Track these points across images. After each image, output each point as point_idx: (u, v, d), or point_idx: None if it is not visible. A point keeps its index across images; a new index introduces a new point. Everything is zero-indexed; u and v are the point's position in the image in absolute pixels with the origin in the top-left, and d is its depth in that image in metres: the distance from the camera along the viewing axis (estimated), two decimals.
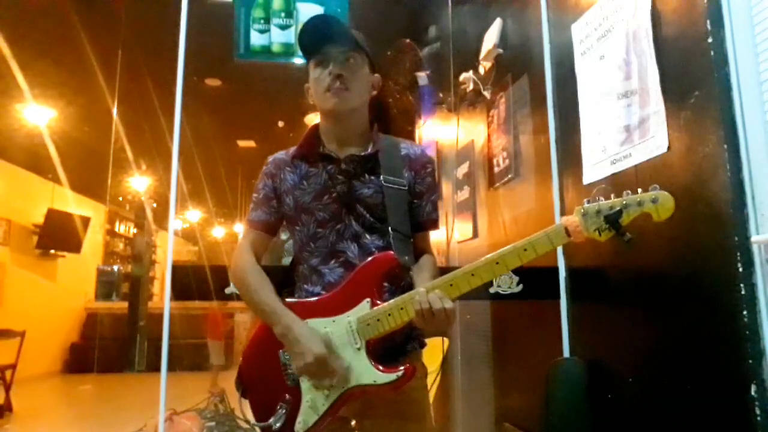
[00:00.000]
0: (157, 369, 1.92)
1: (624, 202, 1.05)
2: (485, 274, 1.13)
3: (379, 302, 1.18)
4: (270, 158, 1.38)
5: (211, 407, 3.79)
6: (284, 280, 1.33)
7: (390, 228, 1.26)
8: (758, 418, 1.16)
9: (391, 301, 1.16)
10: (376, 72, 1.36)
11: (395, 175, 1.29)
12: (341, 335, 1.18)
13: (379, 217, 1.28)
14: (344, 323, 1.18)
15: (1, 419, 4.89)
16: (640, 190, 1.06)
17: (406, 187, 1.30)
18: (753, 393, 1.17)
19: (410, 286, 1.23)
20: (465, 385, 3.03)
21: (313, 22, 1.29)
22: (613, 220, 1.04)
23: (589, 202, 1.08)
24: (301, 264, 1.32)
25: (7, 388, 5.11)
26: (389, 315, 1.15)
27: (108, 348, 7.86)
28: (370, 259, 1.22)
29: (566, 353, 1.93)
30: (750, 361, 1.18)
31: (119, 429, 4.29)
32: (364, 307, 1.18)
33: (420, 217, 1.33)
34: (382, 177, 1.28)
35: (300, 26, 2.37)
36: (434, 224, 1.37)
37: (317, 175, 1.30)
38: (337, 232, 1.27)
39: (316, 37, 1.28)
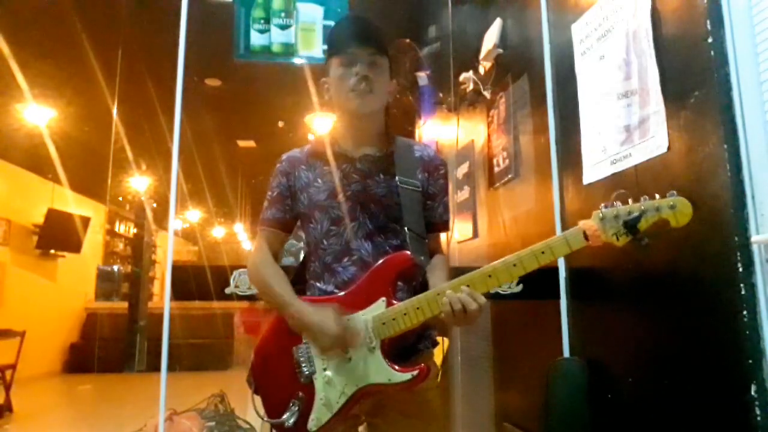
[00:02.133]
0: (157, 369, 1.92)
1: (642, 208, 1.06)
2: (502, 276, 1.13)
3: (394, 302, 1.18)
4: (284, 156, 1.39)
5: (211, 407, 3.79)
6: (294, 280, 1.33)
7: (406, 228, 1.27)
8: (758, 418, 1.16)
9: (407, 301, 1.17)
10: (392, 78, 1.38)
11: (409, 177, 1.31)
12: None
13: (393, 217, 1.29)
14: (360, 322, 1.19)
15: (1, 419, 4.89)
16: (657, 195, 1.06)
17: (420, 189, 1.31)
18: (753, 393, 1.17)
19: (423, 286, 1.24)
20: (465, 385, 3.03)
21: (348, 22, 1.32)
22: (631, 225, 1.05)
23: (607, 206, 1.09)
24: (314, 262, 1.32)
25: (7, 388, 5.11)
26: (405, 314, 1.16)
27: (108, 348, 7.86)
28: (386, 258, 1.23)
29: (566, 353, 1.93)
30: (750, 361, 1.18)
31: (119, 429, 4.29)
32: (379, 306, 1.18)
33: (432, 218, 1.35)
34: (397, 178, 1.29)
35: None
36: (446, 225, 1.39)
37: (332, 173, 1.31)
38: (351, 231, 1.28)
39: (348, 36, 1.29)
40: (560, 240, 1.10)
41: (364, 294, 1.21)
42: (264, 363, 1.30)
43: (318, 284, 1.30)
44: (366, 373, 1.17)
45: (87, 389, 7.10)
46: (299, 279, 1.35)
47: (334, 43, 1.33)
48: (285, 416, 1.20)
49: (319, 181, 1.32)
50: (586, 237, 1.09)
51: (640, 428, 1.57)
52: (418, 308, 1.15)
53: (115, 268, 9.50)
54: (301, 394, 1.21)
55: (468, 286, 1.13)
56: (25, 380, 5.74)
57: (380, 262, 1.23)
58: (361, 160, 1.30)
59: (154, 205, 8.45)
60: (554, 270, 2.00)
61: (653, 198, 1.06)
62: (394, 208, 1.28)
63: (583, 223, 1.10)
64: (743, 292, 1.21)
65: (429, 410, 1.29)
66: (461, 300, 1.11)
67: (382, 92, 1.31)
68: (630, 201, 1.08)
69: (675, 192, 1.05)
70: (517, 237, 2.42)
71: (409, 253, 1.23)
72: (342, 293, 1.24)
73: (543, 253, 1.11)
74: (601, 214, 1.08)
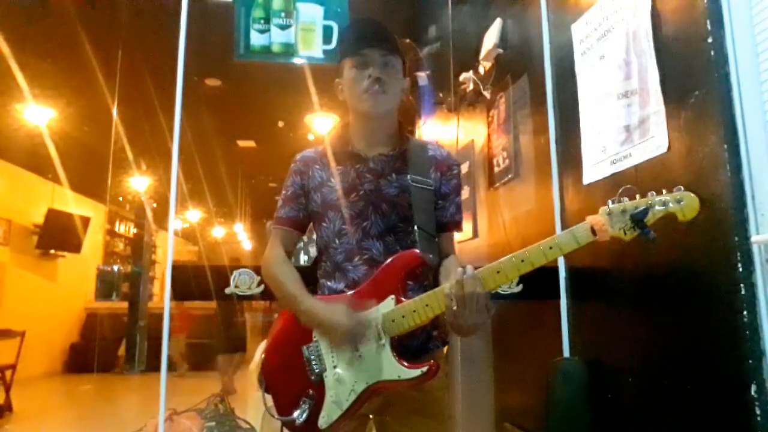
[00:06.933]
0: (157, 369, 1.92)
1: (649, 202, 1.07)
2: (511, 272, 1.14)
3: (403, 299, 1.19)
4: (298, 156, 1.40)
5: (211, 407, 3.79)
6: (306, 279, 1.34)
7: (416, 226, 1.27)
8: (758, 418, 1.16)
9: (416, 298, 1.17)
10: (406, 76, 1.39)
11: (422, 175, 1.32)
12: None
13: (405, 217, 1.29)
14: (369, 320, 1.19)
15: (1, 419, 4.89)
16: (665, 191, 1.07)
17: (433, 188, 1.32)
18: (753, 393, 1.17)
19: (433, 286, 1.24)
20: (465, 385, 3.03)
21: (360, 24, 1.33)
22: (638, 219, 1.06)
23: (614, 202, 1.09)
24: (325, 261, 1.33)
25: (7, 388, 5.10)
26: (414, 311, 1.16)
27: (108, 348, 7.86)
28: (395, 256, 1.24)
29: (566, 353, 1.93)
30: (750, 361, 1.19)
31: (119, 429, 4.29)
32: (388, 304, 1.19)
33: (444, 218, 1.35)
34: (409, 176, 1.30)
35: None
36: (458, 225, 1.39)
37: (345, 173, 1.32)
38: (362, 230, 1.29)
39: (361, 39, 1.31)
40: (568, 235, 1.11)
41: (373, 292, 1.21)
42: (275, 362, 1.31)
43: (329, 283, 1.31)
44: (376, 370, 1.17)
45: (87, 389, 7.10)
46: (311, 279, 1.36)
47: (347, 45, 1.34)
48: (296, 414, 1.21)
49: (333, 180, 1.33)
50: (593, 232, 1.09)
51: (640, 428, 1.57)
52: (426, 305, 1.15)
53: (115, 268, 9.50)
54: (311, 392, 1.22)
55: None
56: (25, 380, 5.74)
57: (389, 260, 1.23)
58: (374, 160, 1.31)
59: (154, 205, 8.45)
60: (554, 270, 2.00)
61: (660, 193, 1.07)
62: (405, 208, 1.29)
63: (590, 218, 1.11)
64: (743, 292, 1.21)
65: (437, 408, 1.29)
66: (464, 283, 1.08)
67: (395, 92, 1.33)
68: (637, 196, 1.09)
69: (681, 187, 1.05)
70: (517, 237, 2.42)
71: (417, 251, 1.23)
72: (353, 291, 1.25)
73: (551, 248, 1.11)
74: (608, 209, 1.09)
